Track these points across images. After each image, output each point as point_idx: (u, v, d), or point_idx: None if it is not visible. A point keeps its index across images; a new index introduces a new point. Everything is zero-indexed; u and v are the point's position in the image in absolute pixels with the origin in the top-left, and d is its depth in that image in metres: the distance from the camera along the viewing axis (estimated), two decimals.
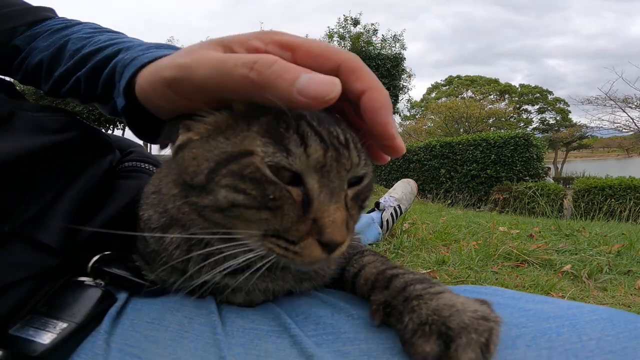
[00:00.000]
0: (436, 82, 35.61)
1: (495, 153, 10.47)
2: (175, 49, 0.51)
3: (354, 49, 9.78)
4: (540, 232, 2.89)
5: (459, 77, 34.26)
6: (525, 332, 0.36)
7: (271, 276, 0.43)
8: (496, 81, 32.95)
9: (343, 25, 10.16)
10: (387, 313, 0.38)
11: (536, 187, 6.77)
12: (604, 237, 2.59)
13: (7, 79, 0.63)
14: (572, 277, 1.70)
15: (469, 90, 31.09)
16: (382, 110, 0.36)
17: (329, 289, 0.50)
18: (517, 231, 2.90)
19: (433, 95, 34.28)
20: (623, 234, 2.74)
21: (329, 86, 0.32)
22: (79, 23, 0.67)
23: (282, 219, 0.35)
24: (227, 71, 0.33)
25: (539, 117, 32.38)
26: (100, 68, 0.52)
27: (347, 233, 0.37)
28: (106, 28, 0.66)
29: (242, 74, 0.32)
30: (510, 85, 32.95)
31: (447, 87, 34.00)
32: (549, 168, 11.09)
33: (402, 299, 0.38)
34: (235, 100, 0.38)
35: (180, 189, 0.39)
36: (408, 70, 10.63)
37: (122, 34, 0.63)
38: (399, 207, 2.16)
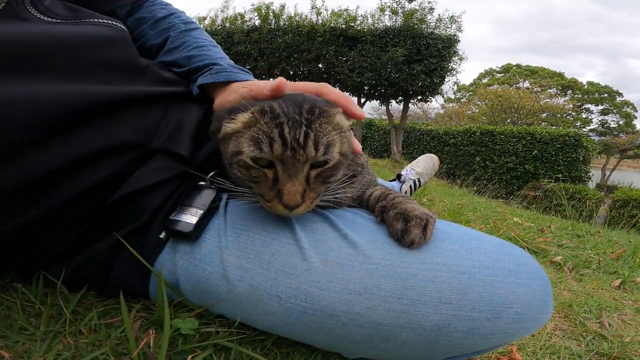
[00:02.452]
0: (490, 68, 33.24)
1: (538, 149, 10.05)
2: (245, 71, 0.82)
3: (405, 25, 9.32)
4: (553, 229, 2.95)
5: (518, 66, 31.58)
6: (452, 237, 0.61)
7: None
8: (560, 75, 30.31)
9: (397, 0, 9.71)
10: (382, 212, 0.65)
11: (566, 189, 6.58)
12: (615, 244, 2.64)
13: None
14: (557, 266, 1.87)
15: (527, 81, 29.01)
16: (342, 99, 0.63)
17: (356, 208, 0.73)
18: (531, 224, 3.01)
19: (485, 81, 32.06)
20: (630, 241, 2.79)
21: (275, 84, 0.62)
22: (172, 13, 0.90)
23: (261, 187, 0.57)
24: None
25: (599, 119, 29.98)
26: (193, 73, 0.80)
27: (302, 200, 0.55)
28: (191, 22, 0.91)
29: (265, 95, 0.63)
30: (575, 81, 30.24)
31: (503, 74, 31.75)
32: (592, 174, 10.49)
33: (391, 203, 0.66)
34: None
35: (226, 162, 0.61)
36: (460, 53, 10.07)
37: (202, 34, 0.90)
38: (419, 180, 2.26)
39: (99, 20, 0.65)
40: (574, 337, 0.96)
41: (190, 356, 0.53)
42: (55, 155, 0.54)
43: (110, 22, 0.66)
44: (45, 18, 0.60)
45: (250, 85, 0.69)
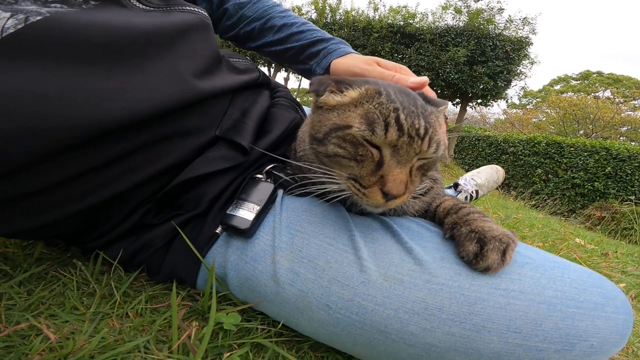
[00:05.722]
0: (565, 75, 30.53)
1: (612, 166, 9.12)
2: (346, 44, 0.93)
3: (470, 25, 8.85)
4: (618, 254, 2.72)
5: (599, 73, 28.53)
6: (533, 262, 0.56)
7: None
8: None
9: None
10: (452, 228, 0.59)
11: (638, 213, 5.89)
12: None
13: None
14: None
15: (608, 90, 26.28)
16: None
17: (420, 219, 0.68)
18: (594, 247, 2.77)
19: (557, 87, 29.58)
20: None
21: (424, 80, 0.75)
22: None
23: (362, 169, 0.52)
24: (383, 76, 0.77)
25: None
26: (307, 47, 0.92)
27: (405, 191, 0.51)
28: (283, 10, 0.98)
29: (389, 76, 0.78)
30: None
31: (580, 82, 29.01)
32: None
33: (464, 219, 0.59)
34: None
35: (310, 139, 0.58)
36: (533, 56, 9.34)
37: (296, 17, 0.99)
38: (476, 192, 2.10)
39: (186, 7, 0.65)
40: None
41: (227, 352, 0.53)
42: (128, 143, 0.55)
43: (195, 9, 0.65)
44: (142, 6, 0.61)
45: (379, 61, 0.83)
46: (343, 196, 0.56)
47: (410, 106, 0.52)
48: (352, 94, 0.55)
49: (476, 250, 0.53)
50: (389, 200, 0.51)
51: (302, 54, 0.92)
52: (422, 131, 0.51)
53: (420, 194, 0.65)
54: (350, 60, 0.85)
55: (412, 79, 0.75)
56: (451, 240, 0.58)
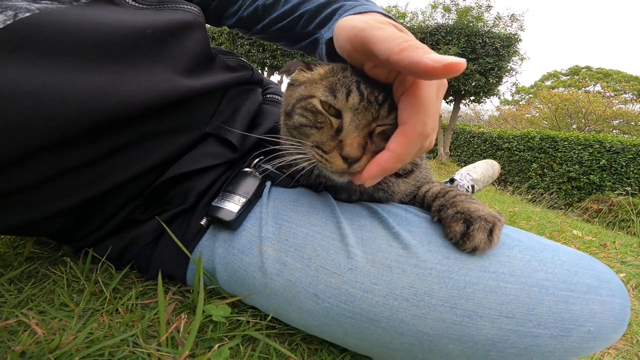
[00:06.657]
0: (555, 71, 30.75)
1: (607, 158, 9.19)
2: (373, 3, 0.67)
3: (459, 22, 9.01)
4: (617, 245, 2.72)
5: (588, 68, 28.77)
6: (522, 244, 0.56)
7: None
8: (637, 79, 27.37)
9: None
10: (440, 210, 0.59)
11: (635, 204, 5.91)
12: None
13: None
14: None
15: (598, 85, 26.50)
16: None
17: (408, 205, 0.68)
18: (592, 239, 2.78)
19: (548, 83, 29.71)
20: None
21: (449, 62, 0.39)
22: None
23: (322, 135, 0.52)
24: (393, 37, 0.46)
25: None
26: (322, 8, 0.70)
27: (363, 152, 0.50)
28: None
29: (400, 38, 0.46)
30: None
31: (569, 77, 29.22)
32: None
33: (451, 202, 0.60)
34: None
35: (283, 116, 0.60)
36: (522, 53, 9.51)
37: None
38: (472, 187, 2.13)
39: (180, 6, 0.64)
40: (628, 357, 0.90)
41: (217, 344, 0.53)
42: (118, 139, 0.55)
43: (189, 7, 0.65)
44: (135, 4, 0.61)
45: (399, 26, 0.53)
46: (311, 166, 0.55)
47: (373, 80, 0.53)
48: (320, 70, 0.56)
49: (463, 230, 0.53)
50: (351, 165, 0.50)
51: (316, 19, 0.71)
52: (380, 98, 0.51)
53: (402, 174, 0.65)
54: (360, 17, 0.55)
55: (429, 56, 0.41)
56: (439, 223, 0.58)
